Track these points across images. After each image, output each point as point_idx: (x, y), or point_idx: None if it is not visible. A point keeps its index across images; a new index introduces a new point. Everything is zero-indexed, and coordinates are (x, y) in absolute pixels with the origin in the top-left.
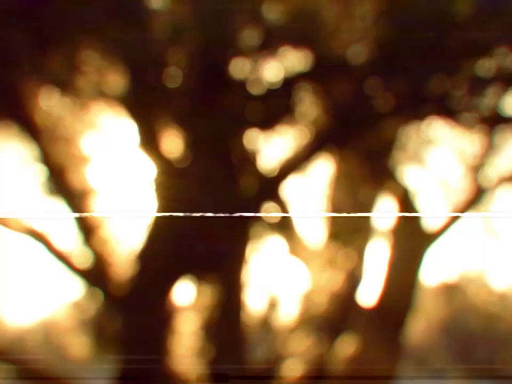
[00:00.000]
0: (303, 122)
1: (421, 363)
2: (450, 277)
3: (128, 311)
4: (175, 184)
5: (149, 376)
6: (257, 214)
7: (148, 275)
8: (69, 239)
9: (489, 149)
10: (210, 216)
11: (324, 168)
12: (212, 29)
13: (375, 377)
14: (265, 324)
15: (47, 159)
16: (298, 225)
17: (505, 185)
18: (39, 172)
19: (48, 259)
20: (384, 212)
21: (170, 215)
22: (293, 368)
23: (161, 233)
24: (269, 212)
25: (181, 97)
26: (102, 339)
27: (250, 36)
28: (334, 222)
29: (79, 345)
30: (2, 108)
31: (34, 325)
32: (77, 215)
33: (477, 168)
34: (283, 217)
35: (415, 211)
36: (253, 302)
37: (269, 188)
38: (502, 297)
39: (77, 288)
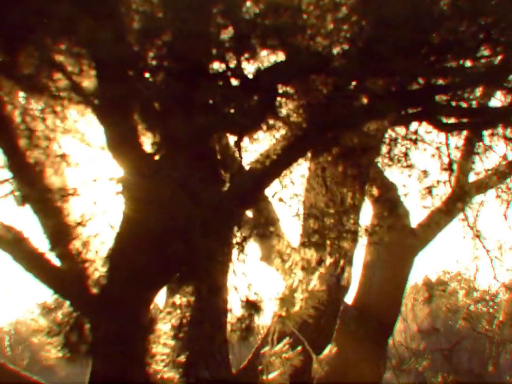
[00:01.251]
0: (283, 121)
1: (405, 365)
2: (435, 276)
3: (101, 315)
4: (148, 185)
5: (126, 381)
6: (236, 217)
7: (122, 279)
8: (41, 243)
9: (475, 150)
10: (187, 220)
11: (304, 170)
12: (188, 28)
13: (358, 381)
14: (245, 328)
15: (17, 161)
16: (281, 227)
17: (490, 186)
18: (9, 175)
19: (19, 264)
20: (368, 213)
21: (144, 217)
22: (274, 373)
23: (137, 235)
24: (250, 212)
25: (156, 97)
26: (74, 344)
27: (228, 34)
28: (317, 224)
29: (52, 349)
30: None
31: (5, 328)
32: (48, 218)
33: (461, 170)
34: (264, 219)
35: (400, 211)
36: (232, 306)
37: (249, 188)
38: (487, 296)
39: (49, 292)
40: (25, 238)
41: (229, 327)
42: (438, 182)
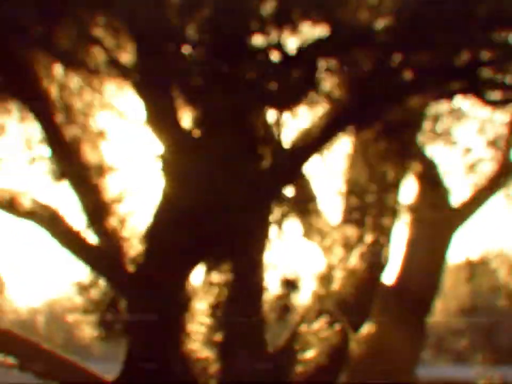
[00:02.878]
0: (325, 97)
1: (444, 344)
2: (477, 255)
3: (138, 293)
4: (189, 161)
5: (162, 360)
6: (275, 194)
7: (160, 256)
8: (78, 220)
9: None
10: (227, 195)
11: (346, 145)
12: (229, 2)
13: (396, 360)
14: (283, 307)
15: (54, 137)
16: (320, 204)
17: None
18: (47, 151)
19: (56, 241)
20: (409, 190)
21: (183, 194)
22: (312, 350)
23: (175, 212)
24: (289, 190)
25: (197, 71)
26: (109, 322)
27: (269, 8)
28: (357, 200)
29: (87, 328)
30: (12, 84)
31: (41, 307)
32: (85, 195)
33: (506, 144)
34: (304, 196)
35: (441, 188)
36: (272, 283)
37: (289, 165)
38: None
39: (85, 271)
40: (60, 216)
41: (266, 305)
42: (482, 158)
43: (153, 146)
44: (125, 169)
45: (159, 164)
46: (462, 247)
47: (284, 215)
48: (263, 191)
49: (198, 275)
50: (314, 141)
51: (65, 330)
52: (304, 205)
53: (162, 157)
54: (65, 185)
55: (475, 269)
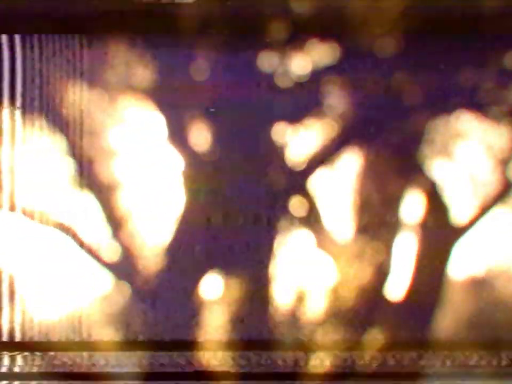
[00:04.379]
0: (331, 116)
1: (449, 358)
2: (478, 271)
3: (157, 305)
4: (203, 177)
5: (178, 373)
6: (285, 208)
7: (176, 269)
8: (98, 233)
9: None
10: (237, 211)
11: (352, 162)
12: (239, 22)
13: (403, 373)
14: (293, 318)
15: (75, 152)
16: (326, 220)
17: None
18: (68, 165)
19: (76, 253)
20: (412, 206)
21: (199, 208)
22: (320, 363)
23: (190, 226)
24: (297, 205)
25: (209, 90)
26: (130, 334)
27: (277, 28)
28: (362, 216)
29: (107, 340)
30: (32, 99)
31: (62, 319)
32: (106, 208)
33: (505, 162)
34: (311, 212)
35: (443, 205)
36: (281, 297)
37: (296, 181)
38: None
39: (106, 282)
40: (75, 233)
41: (276, 318)
42: (485, 175)
43: (173, 161)
44: (143, 184)
45: (180, 180)
46: (466, 263)
47: (292, 229)
48: (271, 206)
49: (211, 288)
50: (322, 158)
51: (86, 342)
52: (312, 220)
53: (183, 173)
54: (88, 198)
55: (479, 285)
